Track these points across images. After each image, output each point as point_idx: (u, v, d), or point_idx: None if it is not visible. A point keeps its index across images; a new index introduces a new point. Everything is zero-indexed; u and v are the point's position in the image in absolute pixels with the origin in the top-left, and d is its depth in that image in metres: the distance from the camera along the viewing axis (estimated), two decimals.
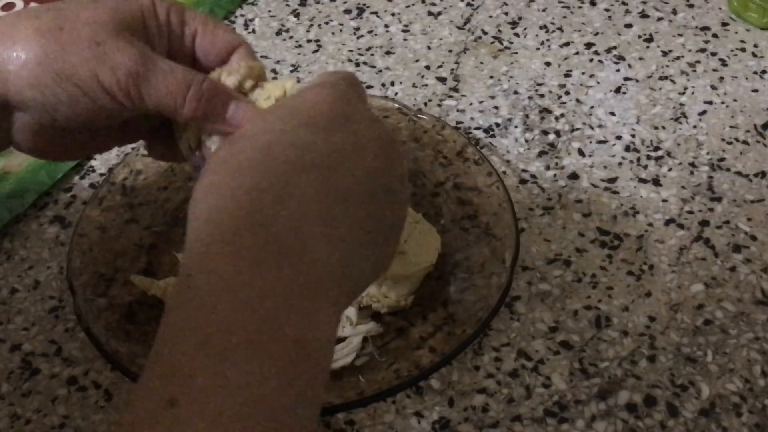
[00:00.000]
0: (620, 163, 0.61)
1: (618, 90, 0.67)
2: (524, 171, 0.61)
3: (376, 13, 0.76)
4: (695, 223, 0.57)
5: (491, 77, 0.69)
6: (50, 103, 0.38)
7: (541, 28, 0.73)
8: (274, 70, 0.70)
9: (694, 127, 0.64)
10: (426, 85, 0.68)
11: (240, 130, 0.39)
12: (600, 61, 0.70)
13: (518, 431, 0.47)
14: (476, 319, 0.48)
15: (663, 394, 0.48)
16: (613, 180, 0.60)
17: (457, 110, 0.66)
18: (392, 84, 0.68)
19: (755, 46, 0.70)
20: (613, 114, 0.65)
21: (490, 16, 0.75)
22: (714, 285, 0.54)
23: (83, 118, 0.40)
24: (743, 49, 0.70)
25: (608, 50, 0.71)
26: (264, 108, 0.41)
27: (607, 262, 0.55)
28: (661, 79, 0.68)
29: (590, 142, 0.63)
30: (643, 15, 0.74)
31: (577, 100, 0.66)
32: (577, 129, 0.64)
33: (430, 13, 0.75)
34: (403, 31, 0.74)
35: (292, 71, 0.70)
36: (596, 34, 0.72)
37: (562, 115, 0.65)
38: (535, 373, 0.50)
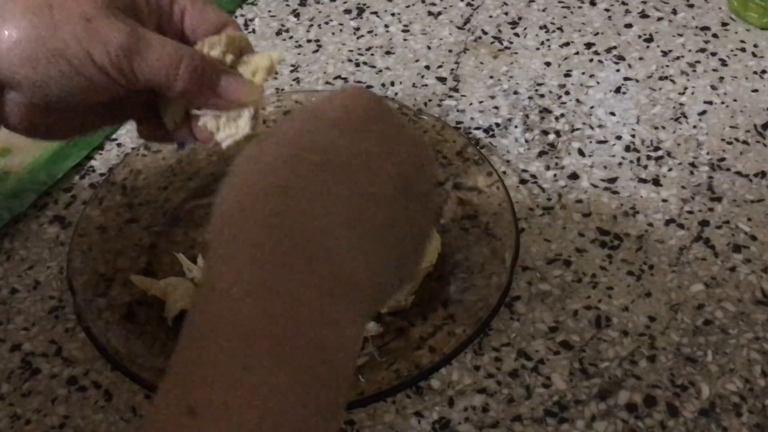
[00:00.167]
0: (620, 163, 0.61)
1: (618, 90, 0.67)
2: (524, 171, 0.61)
3: (376, 13, 0.76)
4: (695, 223, 0.57)
5: (491, 77, 0.69)
6: (43, 81, 0.39)
7: (541, 28, 0.73)
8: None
9: (694, 127, 0.64)
10: (426, 85, 0.68)
11: (269, 128, 0.39)
12: (600, 61, 0.70)
13: (518, 431, 0.47)
14: (476, 319, 0.48)
15: (663, 394, 0.48)
16: (613, 180, 0.60)
17: (457, 110, 0.66)
18: (392, 84, 0.68)
19: (755, 46, 0.70)
20: (613, 114, 0.65)
21: (490, 16, 0.75)
22: (714, 285, 0.54)
23: (75, 95, 0.40)
24: (743, 49, 0.70)
25: (608, 50, 0.71)
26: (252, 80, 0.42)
27: (607, 262, 0.55)
28: (661, 79, 0.68)
29: (590, 142, 0.63)
30: (643, 15, 0.74)
31: (577, 100, 0.66)
32: (577, 129, 0.64)
33: (430, 13, 0.75)
34: (403, 31, 0.74)
35: (292, 71, 0.70)
36: (596, 34, 0.72)
37: (562, 115, 0.65)
38: (535, 373, 0.50)
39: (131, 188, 0.58)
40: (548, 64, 0.70)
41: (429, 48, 0.72)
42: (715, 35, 0.72)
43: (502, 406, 0.48)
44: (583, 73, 0.69)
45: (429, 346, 0.49)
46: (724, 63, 0.69)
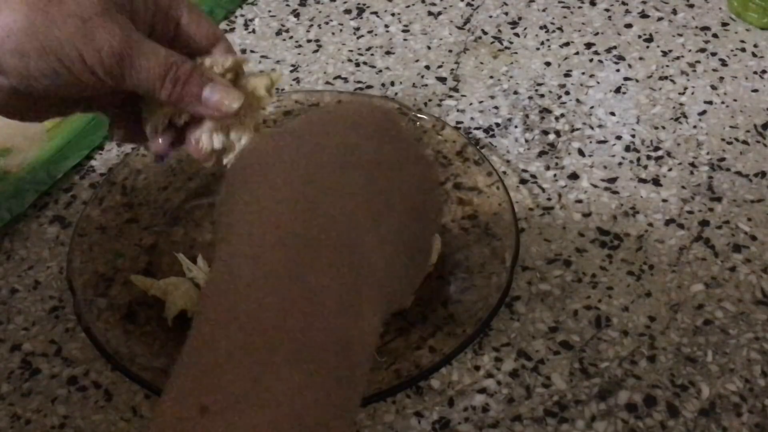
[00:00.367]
0: (620, 163, 0.61)
1: (618, 90, 0.67)
2: (524, 171, 0.61)
3: (376, 13, 0.76)
4: (695, 223, 0.57)
5: (491, 77, 0.69)
6: (30, 73, 0.39)
7: (541, 28, 0.73)
8: (273, 71, 0.70)
9: (694, 127, 0.64)
10: (426, 85, 0.68)
11: (284, 126, 0.39)
12: (600, 61, 0.70)
13: (518, 431, 0.47)
14: (476, 319, 0.48)
15: (663, 394, 0.48)
16: (613, 180, 0.60)
17: (457, 110, 0.66)
18: (392, 84, 0.68)
19: (755, 46, 0.70)
20: (613, 114, 0.65)
21: (490, 16, 0.75)
22: (714, 285, 0.54)
23: (60, 89, 0.40)
24: (743, 49, 0.70)
25: (608, 50, 0.71)
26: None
27: (607, 262, 0.55)
28: (661, 79, 0.68)
29: (590, 142, 0.63)
30: (643, 15, 0.74)
31: (577, 100, 0.66)
32: (577, 129, 0.64)
33: (430, 13, 0.75)
34: (403, 31, 0.74)
35: (291, 71, 0.70)
36: (596, 34, 0.72)
37: (562, 115, 0.65)
38: (535, 373, 0.50)
39: (131, 188, 0.58)
40: (548, 64, 0.70)
41: (429, 48, 0.72)
42: (715, 35, 0.72)
43: (502, 406, 0.48)
44: (583, 73, 0.69)
45: (429, 346, 0.49)
46: (724, 63, 0.69)
